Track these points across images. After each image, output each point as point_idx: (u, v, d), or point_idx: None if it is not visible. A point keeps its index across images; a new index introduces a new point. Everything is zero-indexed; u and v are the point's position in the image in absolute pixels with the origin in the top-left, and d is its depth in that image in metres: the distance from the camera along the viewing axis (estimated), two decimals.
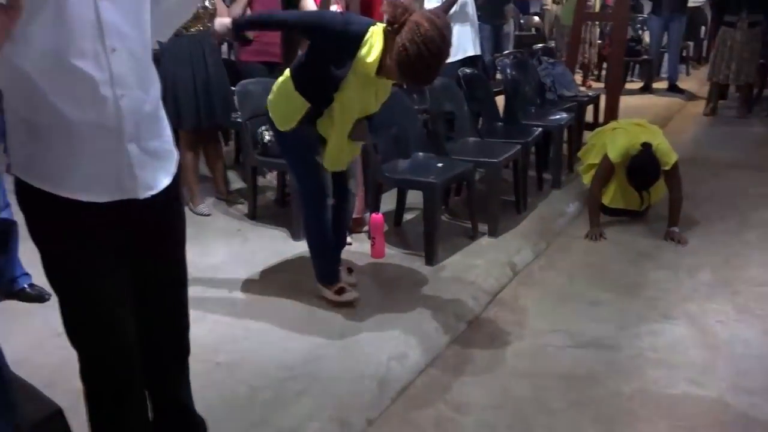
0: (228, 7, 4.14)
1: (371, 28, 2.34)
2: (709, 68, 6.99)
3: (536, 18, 10.51)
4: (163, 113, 1.39)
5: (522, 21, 9.77)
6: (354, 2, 3.42)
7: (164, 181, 1.38)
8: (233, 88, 3.74)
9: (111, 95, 1.22)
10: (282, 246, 3.42)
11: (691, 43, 9.60)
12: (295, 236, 3.47)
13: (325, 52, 2.41)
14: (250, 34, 4.34)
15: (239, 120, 4.09)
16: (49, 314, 1.11)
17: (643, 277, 3.18)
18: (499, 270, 3.17)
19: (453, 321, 2.72)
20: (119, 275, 1.37)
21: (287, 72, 2.60)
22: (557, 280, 3.18)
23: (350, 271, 3.01)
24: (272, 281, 3.04)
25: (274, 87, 2.66)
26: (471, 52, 4.61)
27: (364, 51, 2.32)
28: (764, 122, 6.50)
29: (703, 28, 9.91)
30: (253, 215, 3.80)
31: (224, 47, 5.54)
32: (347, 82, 2.41)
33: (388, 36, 2.28)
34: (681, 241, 3.53)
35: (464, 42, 4.54)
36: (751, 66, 6.56)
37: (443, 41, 2.21)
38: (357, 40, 2.32)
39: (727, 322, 2.76)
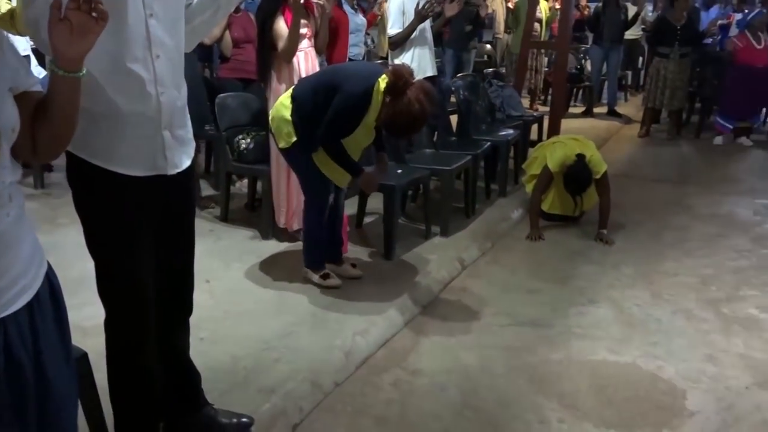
0: None
1: (374, 88, 2.80)
2: (644, 95, 7.64)
3: (488, 46, 11.13)
4: (187, 108, 1.75)
5: (476, 48, 10.34)
6: (323, 27, 3.79)
7: (186, 162, 1.73)
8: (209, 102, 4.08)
9: (154, 92, 1.58)
10: (253, 244, 3.74)
11: (629, 72, 10.33)
12: (265, 236, 3.80)
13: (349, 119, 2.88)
14: (228, 52, 4.69)
15: (211, 132, 4.43)
16: None
17: (575, 271, 3.62)
18: (450, 264, 3.56)
19: (410, 304, 3.09)
20: (148, 241, 1.70)
21: (287, 98, 2.99)
22: (500, 273, 3.60)
23: (354, 265, 3.36)
24: (247, 273, 3.35)
25: (277, 104, 3.05)
26: (430, 73, 5.02)
27: (371, 112, 2.82)
28: (691, 143, 7.15)
29: (640, 58, 10.68)
30: (225, 218, 4.09)
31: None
32: (355, 133, 2.92)
33: (385, 95, 2.76)
34: (608, 242, 4.01)
35: (424, 64, 4.95)
36: (682, 93, 7.22)
37: (425, 118, 2.76)
38: (367, 104, 2.82)
39: (642, 305, 3.21)
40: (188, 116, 1.79)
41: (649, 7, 10.81)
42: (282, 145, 3.02)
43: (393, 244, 3.56)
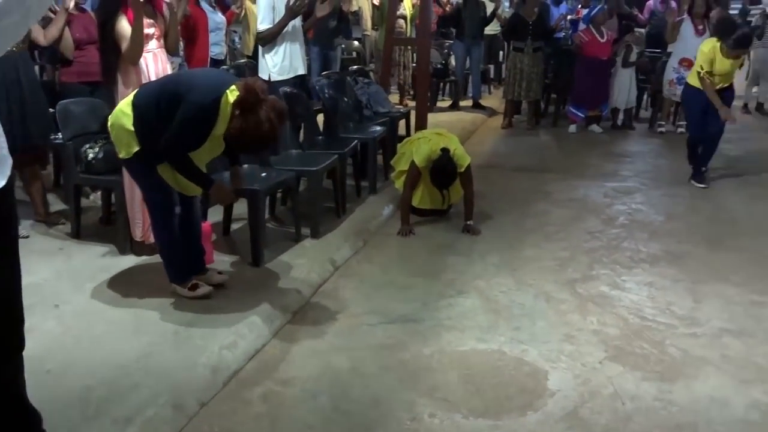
0: (44, 29, 4.13)
1: (222, 100, 2.63)
2: (504, 87, 8.01)
3: (356, 43, 11.17)
4: None
5: (343, 46, 10.36)
6: (173, 27, 3.58)
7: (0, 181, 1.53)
8: (52, 109, 3.74)
9: None
10: (109, 261, 3.47)
11: (491, 66, 10.80)
12: (121, 251, 3.55)
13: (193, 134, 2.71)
14: (70, 54, 4.34)
15: (58, 141, 4.07)
16: None
17: (444, 263, 3.70)
18: (321, 266, 3.51)
19: (279, 312, 3.00)
20: None
21: (128, 105, 2.77)
22: (373, 271, 3.60)
23: (220, 272, 3.23)
24: (101, 293, 3.10)
25: (117, 111, 2.83)
26: (301, 72, 4.91)
27: (219, 124, 2.66)
28: (549, 132, 7.58)
29: (501, 52, 11.19)
30: (77, 234, 3.78)
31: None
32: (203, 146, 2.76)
33: (234, 108, 2.60)
34: (475, 232, 4.14)
35: (296, 62, 4.83)
36: (537, 84, 7.64)
37: (273, 138, 2.64)
38: (215, 117, 2.65)
39: (507, 292, 3.34)
40: (0, 129, 1.59)
41: (506, 4, 11.35)
42: (122, 155, 2.83)
43: (261, 250, 3.45)
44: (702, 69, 5.04)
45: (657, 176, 5.47)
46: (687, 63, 6.62)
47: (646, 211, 4.67)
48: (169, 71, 3.60)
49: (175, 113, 2.65)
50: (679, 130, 7.28)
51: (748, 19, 10.34)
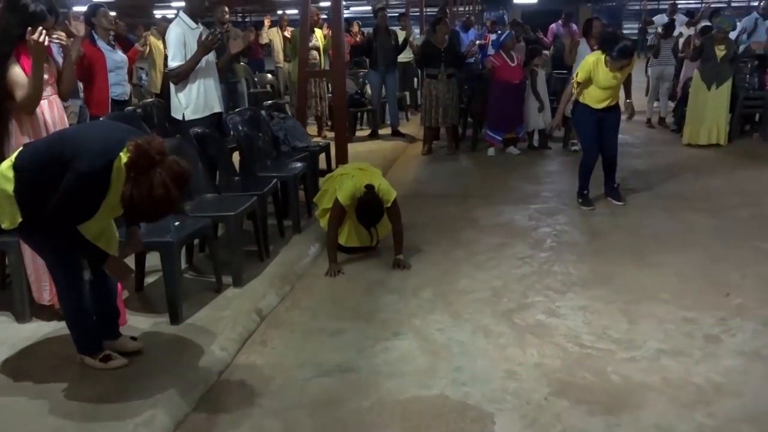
0: None
1: (114, 165, 2.32)
2: (421, 115, 8.03)
3: (269, 75, 11.01)
4: None
5: (256, 79, 10.16)
6: (68, 70, 3.30)
7: None
8: None
9: None
10: (4, 332, 3.10)
11: (407, 93, 10.87)
12: (21, 318, 3.18)
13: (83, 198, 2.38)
14: None
15: None
16: None
17: (376, 303, 3.55)
18: (246, 317, 3.28)
19: (203, 375, 2.75)
20: None
21: (9, 168, 2.45)
22: (302, 318, 3.40)
23: (134, 338, 2.94)
24: None
25: None
26: (217, 109, 4.68)
27: (112, 191, 2.36)
28: (469, 157, 7.63)
29: (415, 79, 11.30)
30: None
31: None
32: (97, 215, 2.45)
33: (128, 171, 2.26)
34: (405, 267, 4.02)
35: (211, 100, 4.60)
36: (454, 110, 7.69)
37: (170, 206, 2.29)
38: (106, 184, 2.35)
39: (444, 329, 3.21)
40: None
41: (416, 31, 11.52)
42: (6, 225, 2.48)
43: (178, 306, 3.18)
44: (576, 76, 5.15)
45: (576, 195, 5.55)
46: None
47: (571, 232, 4.71)
48: (66, 119, 3.31)
49: (61, 180, 2.31)
50: None
51: (646, 37, 10.96)
